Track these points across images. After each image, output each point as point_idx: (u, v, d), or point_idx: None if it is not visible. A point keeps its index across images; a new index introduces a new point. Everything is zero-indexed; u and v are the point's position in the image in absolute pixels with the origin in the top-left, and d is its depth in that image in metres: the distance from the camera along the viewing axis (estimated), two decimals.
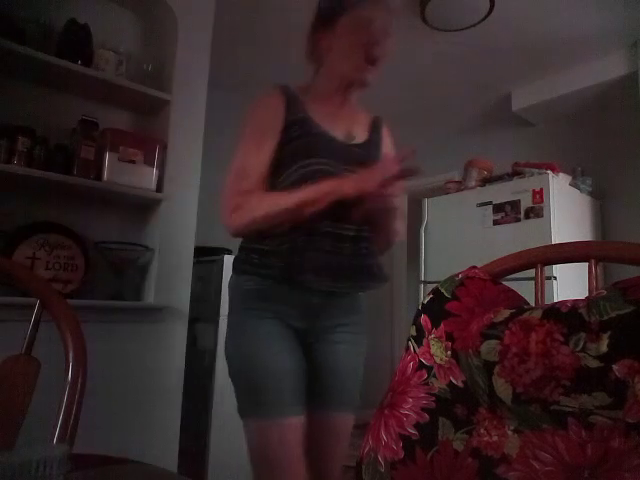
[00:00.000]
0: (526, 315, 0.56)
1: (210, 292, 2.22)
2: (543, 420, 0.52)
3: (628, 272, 0.58)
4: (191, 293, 1.95)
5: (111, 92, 1.86)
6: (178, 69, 1.98)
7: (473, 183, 3.03)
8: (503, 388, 0.54)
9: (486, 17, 2.37)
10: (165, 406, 1.84)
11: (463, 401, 0.58)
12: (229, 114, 3.36)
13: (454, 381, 0.59)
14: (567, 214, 2.75)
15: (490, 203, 2.89)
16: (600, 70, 2.82)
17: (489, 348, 0.55)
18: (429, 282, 3.04)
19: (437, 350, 0.61)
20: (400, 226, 1.11)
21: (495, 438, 0.55)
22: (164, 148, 1.90)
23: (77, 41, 1.78)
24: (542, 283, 0.72)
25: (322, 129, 1.08)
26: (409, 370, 0.64)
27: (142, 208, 1.98)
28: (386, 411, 0.63)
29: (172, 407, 1.85)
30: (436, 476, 0.56)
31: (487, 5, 2.29)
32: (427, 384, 0.61)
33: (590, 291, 0.66)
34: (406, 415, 0.61)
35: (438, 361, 0.61)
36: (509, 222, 2.81)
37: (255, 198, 1.02)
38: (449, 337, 0.61)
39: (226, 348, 1.06)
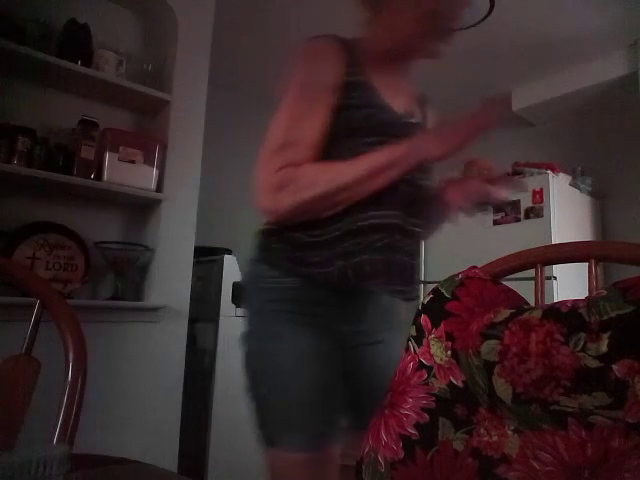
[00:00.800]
0: (526, 315, 0.55)
1: (210, 292, 2.22)
2: (543, 420, 0.52)
3: (628, 272, 0.58)
4: (191, 293, 1.95)
5: (111, 92, 1.87)
6: (178, 69, 1.98)
7: None
8: (503, 388, 0.54)
9: (486, 17, 2.37)
10: (165, 406, 1.84)
11: (463, 401, 0.58)
12: (229, 114, 3.37)
13: (454, 381, 0.59)
14: (567, 214, 2.75)
15: None
16: (600, 70, 2.82)
17: (489, 348, 0.55)
18: (429, 282, 3.04)
19: (437, 350, 0.61)
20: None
21: (495, 438, 0.55)
22: (164, 148, 1.90)
23: (77, 41, 1.78)
24: (542, 283, 0.72)
25: (384, 100, 0.87)
26: (409, 370, 0.64)
27: (142, 208, 1.98)
28: (386, 411, 0.63)
29: (172, 407, 1.85)
30: (436, 476, 0.56)
31: (487, 5, 2.29)
32: (427, 384, 0.61)
33: (590, 291, 0.66)
34: (406, 415, 0.61)
35: (438, 361, 0.61)
36: (509, 222, 2.81)
37: (309, 171, 0.80)
38: (449, 337, 0.61)
39: (250, 358, 0.87)
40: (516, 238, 2.66)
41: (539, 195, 2.70)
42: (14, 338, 0.79)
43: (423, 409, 0.60)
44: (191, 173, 1.99)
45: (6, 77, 1.73)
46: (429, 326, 0.64)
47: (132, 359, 1.78)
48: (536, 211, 2.70)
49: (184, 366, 1.90)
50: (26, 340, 0.75)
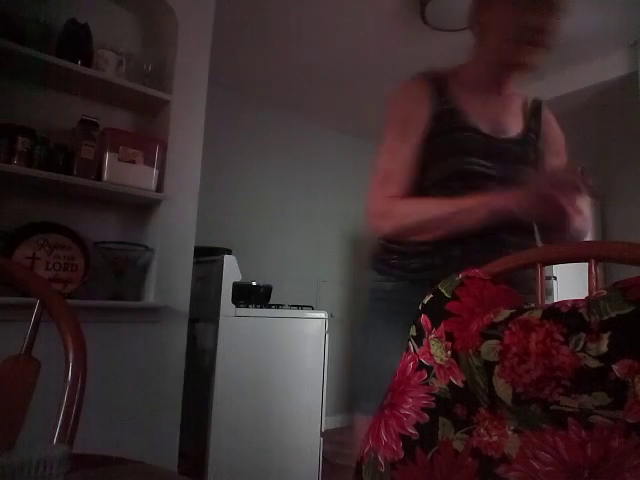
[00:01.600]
0: (526, 315, 0.55)
1: (210, 292, 2.22)
2: (543, 420, 0.52)
3: (628, 272, 0.58)
4: (191, 293, 1.95)
5: (111, 92, 1.86)
6: (178, 69, 1.98)
7: None
8: (503, 388, 0.54)
9: None
10: (165, 406, 1.84)
11: (463, 401, 0.58)
12: (229, 114, 3.38)
13: (454, 381, 0.59)
14: None
15: None
16: (600, 70, 2.82)
17: (489, 348, 0.55)
18: None
19: (437, 350, 0.61)
20: (581, 223, 0.92)
21: (495, 438, 0.55)
22: (164, 148, 1.90)
23: (77, 41, 1.78)
24: (542, 283, 0.72)
25: (471, 122, 0.97)
26: (409, 370, 0.64)
27: (142, 208, 1.98)
28: (386, 411, 0.63)
29: (172, 407, 1.85)
30: (436, 476, 0.56)
31: None
32: (427, 384, 0.61)
33: (590, 291, 0.66)
34: (406, 415, 0.61)
35: (438, 361, 0.61)
36: None
37: (403, 205, 0.96)
38: (449, 337, 0.61)
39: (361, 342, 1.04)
40: None
41: None
42: (14, 338, 0.79)
43: (423, 409, 0.60)
44: (191, 173, 1.99)
45: (6, 77, 1.73)
46: (429, 326, 0.64)
47: (132, 359, 1.78)
48: None
49: (184, 366, 1.90)
50: (26, 340, 0.75)
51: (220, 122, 3.17)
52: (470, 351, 0.57)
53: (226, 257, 2.20)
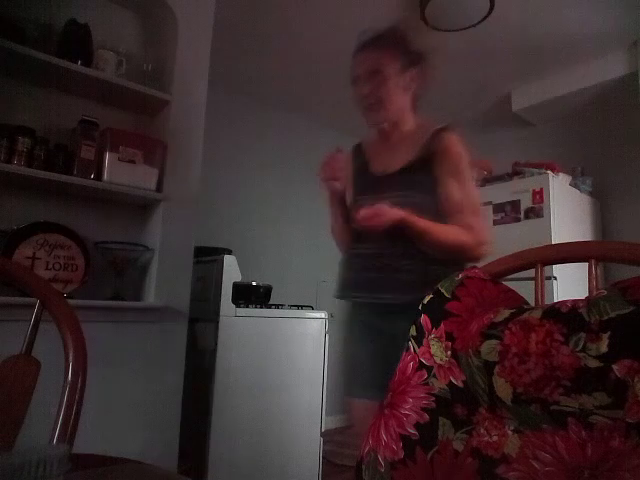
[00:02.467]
0: (526, 315, 0.55)
1: (210, 292, 2.22)
2: (543, 420, 0.52)
3: (628, 272, 0.58)
4: (191, 293, 1.94)
5: (111, 92, 1.86)
6: (178, 69, 1.98)
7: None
8: (503, 388, 0.54)
9: (486, 17, 2.37)
10: (165, 406, 1.84)
11: (463, 401, 0.58)
12: (229, 114, 3.38)
13: (454, 381, 0.59)
14: (567, 214, 2.75)
15: (490, 203, 2.89)
16: (600, 70, 2.82)
17: (489, 348, 0.55)
18: None
19: (437, 350, 0.61)
20: (454, 233, 1.16)
21: (495, 438, 0.55)
22: (164, 148, 1.90)
23: (77, 41, 1.78)
24: (542, 283, 0.72)
25: (369, 168, 1.33)
26: (409, 370, 0.64)
27: (142, 208, 1.98)
28: (386, 411, 0.63)
29: (172, 407, 1.85)
30: (436, 476, 0.56)
31: (487, 5, 2.29)
32: (427, 384, 0.61)
33: (590, 291, 0.66)
34: (406, 415, 0.61)
35: (438, 361, 0.61)
36: (509, 222, 2.81)
37: None
38: (449, 337, 0.61)
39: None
40: (516, 238, 2.65)
41: (539, 195, 2.70)
42: (14, 338, 0.79)
43: (423, 409, 0.60)
44: (191, 173, 1.99)
45: (6, 77, 1.73)
46: (429, 326, 0.64)
47: (132, 359, 1.78)
48: (536, 211, 2.70)
49: (184, 366, 1.90)
50: (26, 340, 0.75)
51: (220, 122, 3.17)
52: (470, 351, 0.57)
53: (226, 257, 2.20)
